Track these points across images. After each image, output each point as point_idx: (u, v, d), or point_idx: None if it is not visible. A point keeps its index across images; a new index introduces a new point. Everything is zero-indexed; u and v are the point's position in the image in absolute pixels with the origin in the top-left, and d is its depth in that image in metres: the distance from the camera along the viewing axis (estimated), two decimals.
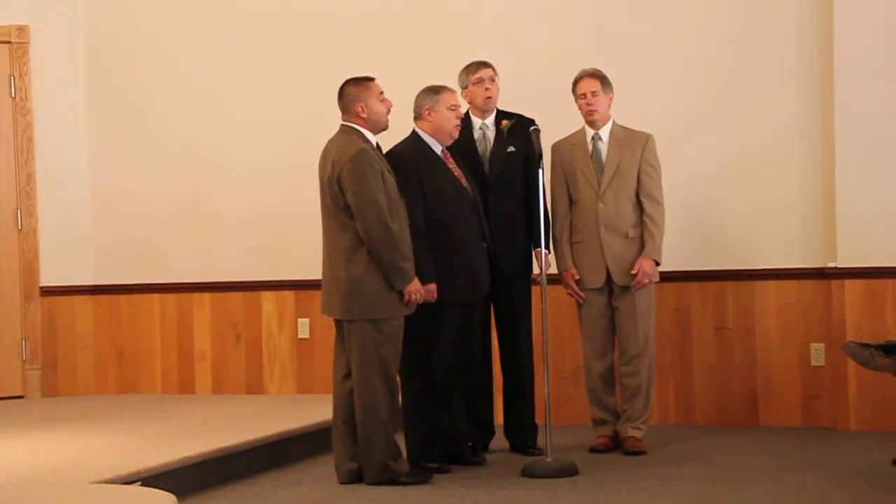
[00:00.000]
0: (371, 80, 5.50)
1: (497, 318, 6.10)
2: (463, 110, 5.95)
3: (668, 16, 6.96)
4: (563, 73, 6.30)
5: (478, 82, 6.01)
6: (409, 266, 5.38)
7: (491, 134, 6.06)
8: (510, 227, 5.97)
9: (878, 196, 6.53)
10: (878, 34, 6.54)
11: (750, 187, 6.81)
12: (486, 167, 6.00)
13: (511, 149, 6.01)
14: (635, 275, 5.98)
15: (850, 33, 6.54)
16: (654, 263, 6.01)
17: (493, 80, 6.04)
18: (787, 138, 6.78)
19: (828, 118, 6.65)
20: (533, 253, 6.03)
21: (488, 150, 6.04)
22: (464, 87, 6.08)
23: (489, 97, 6.03)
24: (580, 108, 6.10)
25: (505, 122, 6.03)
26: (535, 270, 6.08)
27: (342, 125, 5.50)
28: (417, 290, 5.40)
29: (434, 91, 5.73)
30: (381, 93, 5.48)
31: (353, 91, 5.46)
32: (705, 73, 6.89)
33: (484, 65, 6.06)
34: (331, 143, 5.48)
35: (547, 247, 5.85)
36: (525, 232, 6.02)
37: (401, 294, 5.37)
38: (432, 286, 5.51)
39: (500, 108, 6.10)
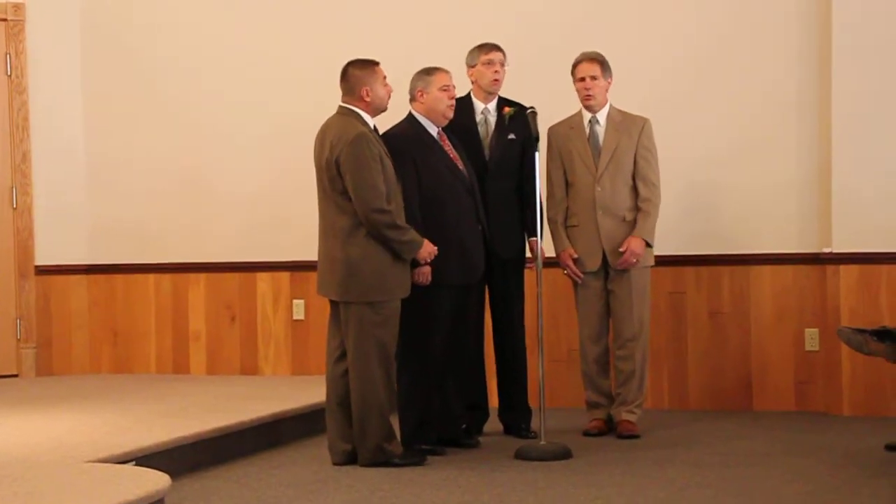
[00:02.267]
0: (376, 63, 5.47)
1: (491, 301, 6.10)
2: (463, 90, 5.95)
3: None
4: (557, 55, 6.29)
5: (488, 63, 6.00)
6: (414, 234, 5.38)
7: (492, 119, 6.06)
8: (506, 212, 5.97)
9: (874, 181, 6.53)
10: (876, 16, 6.52)
11: (746, 172, 6.81)
12: (486, 152, 6.00)
13: (511, 136, 6.02)
14: (623, 252, 5.97)
15: (849, 15, 6.52)
16: (643, 243, 5.99)
17: (502, 65, 6.04)
18: (783, 123, 6.77)
19: (825, 103, 6.64)
20: (527, 241, 6.03)
21: (489, 135, 6.04)
22: (471, 66, 6.06)
23: (497, 80, 6.02)
24: (578, 91, 6.09)
25: (508, 109, 6.02)
26: (529, 254, 6.10)
27: (341, 107, 5.48)
28: (431, 252, 5.41)
29: (426, 73, 5.73)
30: (385, 77, 5.47)
31: (359, 74, 5.43)
32: (701, 56, 6.87)
33: (497, 48, 6.05)
34: (328, 125, 5.46)
35: (540, 234, 5.84)
36: (519, 217, 6.04)
37: (412, 264, 5.38)
38: (426, 269, 5.51)
39: (501, 94, 6.08)
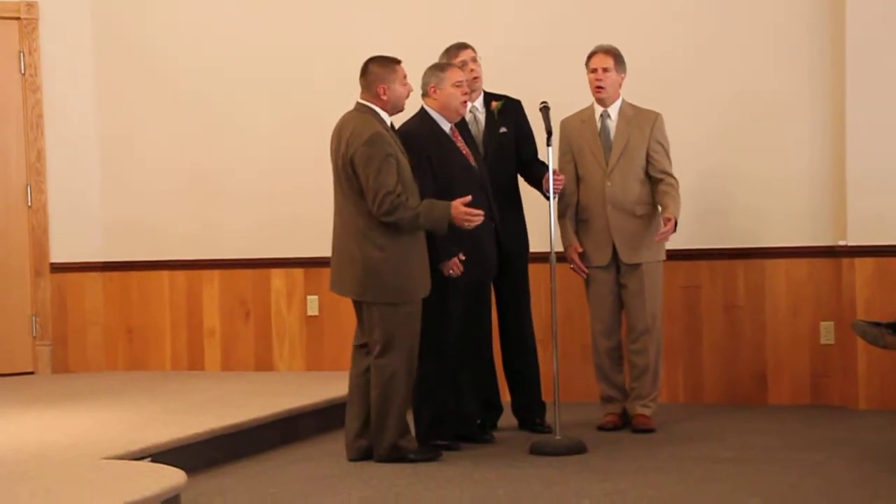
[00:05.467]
0: (397, 62, 5.44)
1: (497, 296, 6.09)
2: None
3: None
4: (568, 48, 6.26)
5: (461, 65, 5.93)
6: (438, 207, 5.31)
7: (481, 116, 6.06)
8: (507, 206, 5.96)
9: (889, 173, 6.50)
10: (892, 3, 6.45)
11: (759, 164, 6.78)
12: (482, 149, 5.99)
13: (503, 129, 6.02)
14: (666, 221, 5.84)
15: (864, 1, 6.46)
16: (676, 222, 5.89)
17: (475, 61, 6.00)
18: (796, 115, 6.74)
19: (838, 93, 6.61)
20: (544, 180, 5.83)
21: (481, 132, 6.03)
22: None
23: (476, 77, 6.00)
24: (589, 82, 6.07)
25: (495, 104, 6.03)
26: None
27: (358, 103, 5.46)
28: (460, 214, 5.31)
29: (439, 69, 5.71)
30: (405, 76, 5.45)
31: (378, 71, 5.40)
32: (711, 46, 6.83)
33: (465, 46, 6.01)
34: (345, 121, 5.44)
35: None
36: (521, 211, 6.06)
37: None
38: (455, 262, 5.49)
39: (487, 88, 6.07)
